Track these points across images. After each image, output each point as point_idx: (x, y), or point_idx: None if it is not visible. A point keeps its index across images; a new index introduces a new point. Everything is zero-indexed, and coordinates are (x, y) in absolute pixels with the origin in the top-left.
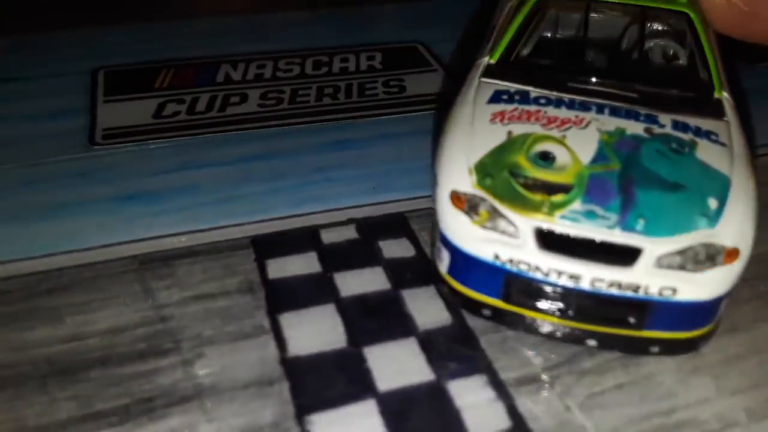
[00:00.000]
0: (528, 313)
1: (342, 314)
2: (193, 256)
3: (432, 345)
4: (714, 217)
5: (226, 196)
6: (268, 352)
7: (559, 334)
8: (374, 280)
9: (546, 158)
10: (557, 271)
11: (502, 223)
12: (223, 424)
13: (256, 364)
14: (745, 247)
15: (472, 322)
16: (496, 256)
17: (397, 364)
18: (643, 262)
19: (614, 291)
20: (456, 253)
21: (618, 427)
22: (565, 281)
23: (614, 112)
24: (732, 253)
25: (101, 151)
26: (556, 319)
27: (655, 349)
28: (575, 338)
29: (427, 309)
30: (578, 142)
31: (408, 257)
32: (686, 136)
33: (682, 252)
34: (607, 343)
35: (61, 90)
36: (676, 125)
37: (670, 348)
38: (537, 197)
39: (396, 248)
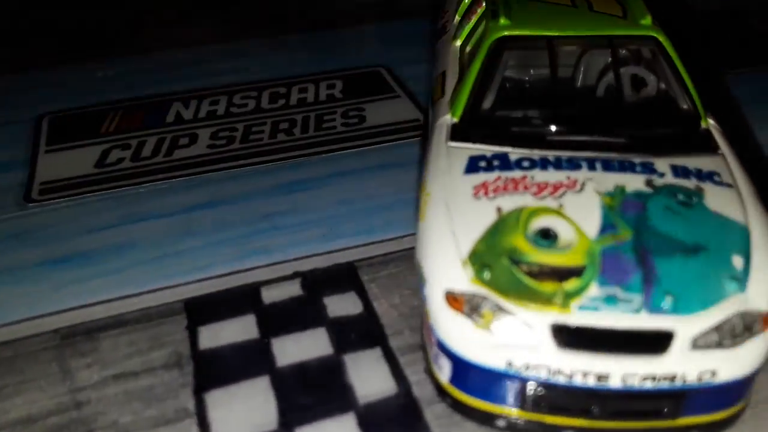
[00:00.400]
0: (549, 420)
1: (276, 388)
2: (121, 326)
3: (371, 423)
4: (743, 278)
5: (164, 253)
6: None
7: None
8: (315, 345)
9: (547, 236)
10: (582, 372)
11: (511, 323)
12: None
13: None
14: None
15: (418, 391)
16: (510, 364)
17: None
18: (678, 346)
19: (648, 385)
20: (459, 363)
21: None
22: (592, 382)
23: (607, 166)
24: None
25: (36, 209)
26: (582, 421)
27: None
28: None
29: (370, 376)
30: (579, 211)
31: (354, 315)
32: (690, 184)
33: (717, 327)
34: None
35: (2, 141)
36: (676, 171)
37: (711, 429)
38: (547, 287)
39: (342, 304)
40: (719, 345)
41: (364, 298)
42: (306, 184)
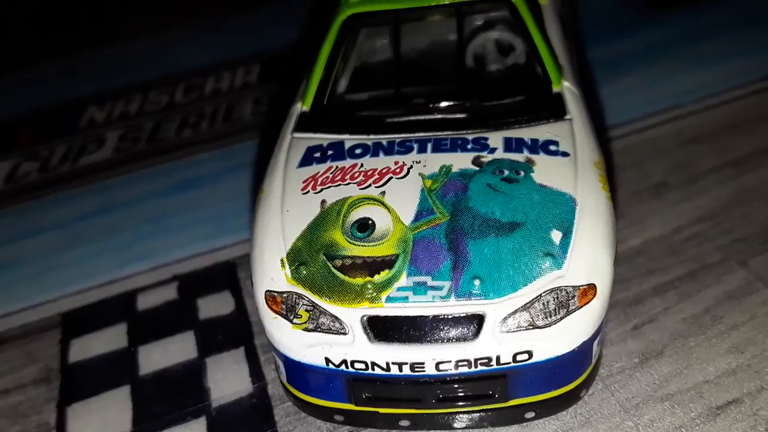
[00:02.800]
0: (383, 411)
1: (134, 398)
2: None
3: (220, 425)
4: (560, 254)
5: (48, 267)
6: None
7: (422, 424)
8: (181, 349)
9: (365, 228)
10: (397, 364)
11: (325, 321)
12: None
13: None
14: (603, 279)
15: (273, 389)
16: (328, 360)
17: None
18: (488, 330)
19: (464, 370)
20: (287, 363)
21: None
22: (408, 372)
23: (438, 147)
24: (587, 292)
25: None
26: (414, 410)
27: (531, 414)
28: (441, 425)
29: (227, 378)
30: (399, 197)
31: (225, 315)
32: (521, 157)
33: (527, 307)
34: (476, 421)
35: None
36: (509, 144)
37: (549, 408)
38: (358, 281)
39: (215, 305)
40: (532, 325)
41: (238, 296)
42: (200, 181)
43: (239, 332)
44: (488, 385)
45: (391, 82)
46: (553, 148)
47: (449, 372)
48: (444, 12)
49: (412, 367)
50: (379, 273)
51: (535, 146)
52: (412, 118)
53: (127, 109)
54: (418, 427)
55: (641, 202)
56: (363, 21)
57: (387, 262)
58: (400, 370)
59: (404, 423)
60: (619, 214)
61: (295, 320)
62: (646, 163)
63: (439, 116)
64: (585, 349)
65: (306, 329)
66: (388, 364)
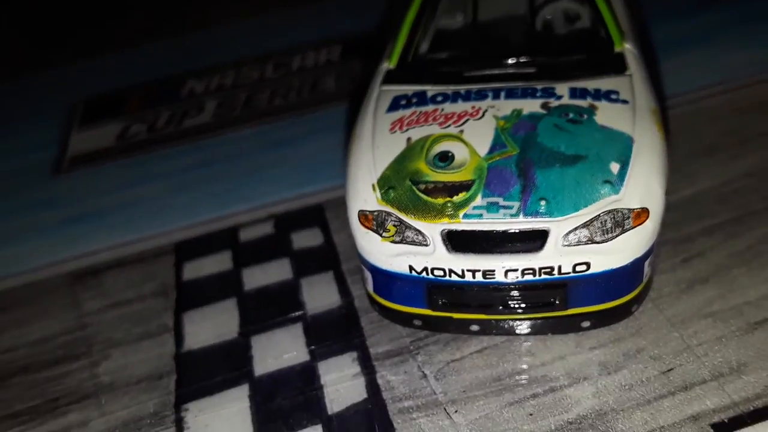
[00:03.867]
0: (456, 316)
1: (241, 307)
2: (120, 266)
3: (315, 329)
4: (617, 182)
5: (160, 207)
6: (166, 348)
7: (489, 330)
8: (279, 272)
9: (446, 159)
10: (471, 271)
11: (410, 234)
12: (112, 417)
13: (152, 360)
14: (655, 204)
15: (358, 303)
16: (411, 268)
17: (278, 349)
18: (551, 244)
19: (530, 278)
20: (375, 272)
21: (467, 389)
22: (480, 279)
23: (510, 94)
24: (641, 214)
25: (64, 178)
26: (483, 316)
27: (587, 323)
28: (506, 330)
29: (319, 295)
30: (475, 135)
31: (315, 246)
32: (584, 103)
33: (587, 225)
34: (537, 328)
35: (40, 125)
36: (574, 93)
37: (602, 319)
38: (439, 201)
39: (306, 238)
40: (591, 241)
41: (326, 232)
42: (289, 142)
43: (328, 260)
44: (550, 293)
45: (468, 43)
46: (613, 96)
47: (517, 279)
48: None
49: (484, 274)
50: (457, 194)
51: (598, 95)
52: (487, 72)
53: (223, 82)
54: (486, 332)
55: (694, 159)
56: None
57: (464, 186)
58: (474, 276)
59: (474, 328)
60: (673, 168)
61: (384, 234)
62: (701, 128)
63: (512, 70)
64: (637, 266)
65: (393, 241)
66: (463, 271)
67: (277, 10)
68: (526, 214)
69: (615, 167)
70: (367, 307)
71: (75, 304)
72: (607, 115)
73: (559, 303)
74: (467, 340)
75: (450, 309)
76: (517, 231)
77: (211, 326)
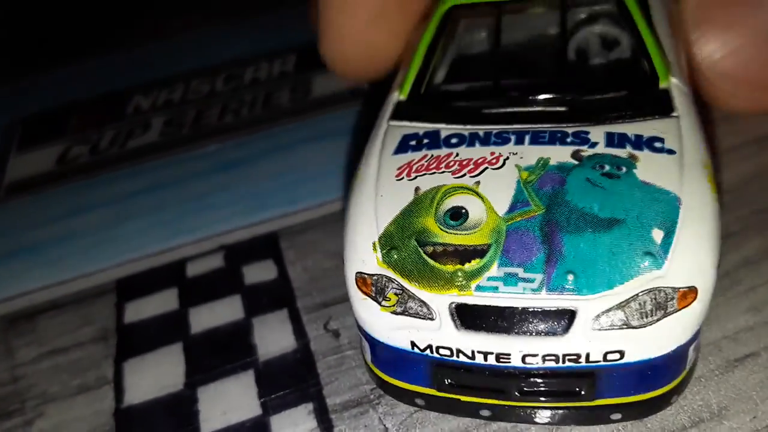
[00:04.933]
0: (465, 399)
1: (187, 353)
2: (57, 308)
3: (267, 377)
4: (660, 254)
5: (101, 239)
6: (105, 403)
7: (502, 416)
8: (229, 311)
9: (458, 217)
10: (482, 353)
11: (413, 305)
12: None
13: (90, 418)
14: (705, 282)
15: (315, 345)
16: (414, 344)
17: (227, 401)
18: (579, 326)
19: (551, 365)
20: (374, 344)
21: None
22: (493, 362)
23: (536, 139)
24: (687, 294)
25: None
26: (496, 401)
27: (617, 416)
28: (522, 418)
29: (272, 337)
30: (494, 188)
31: (269, 280)
32: (623, 152)
33: (622, 306)
34: (559, 419)
35: None
36: (611, 139)
37: (636, 411)
38: (449, 268)
39: (259, 272)
40: (626, 325)
41: (280, 263)
42: (243, 162)
43: (282, 296)
44: (575, 382)
45: (489, 74)
46: (658, 144)
47: (536, 366)
48: (547, 4)
49: (498, 357)
50: (470, 261)
51: (639, 142)
52: (510, 109)
53: (171, 98)
54: (498, 418)
55: None
56: (464, 12)
57: (478, 251)
58: (485, 359)
59: (485, 413)
60: None
61: (383, 303)
62: None
63: (539, 108)
64: (681, 353)
65: (394, 312)
66: (473, 352)
67: (229, 19)
68: (549, 290)
69: (658, 235)
70: (324, 350)
71: (7, 353)
72: (649, 168)
73: (586, 393)
74: None
75: (458, 391)
76: (538, 309)
77: (155, 376)
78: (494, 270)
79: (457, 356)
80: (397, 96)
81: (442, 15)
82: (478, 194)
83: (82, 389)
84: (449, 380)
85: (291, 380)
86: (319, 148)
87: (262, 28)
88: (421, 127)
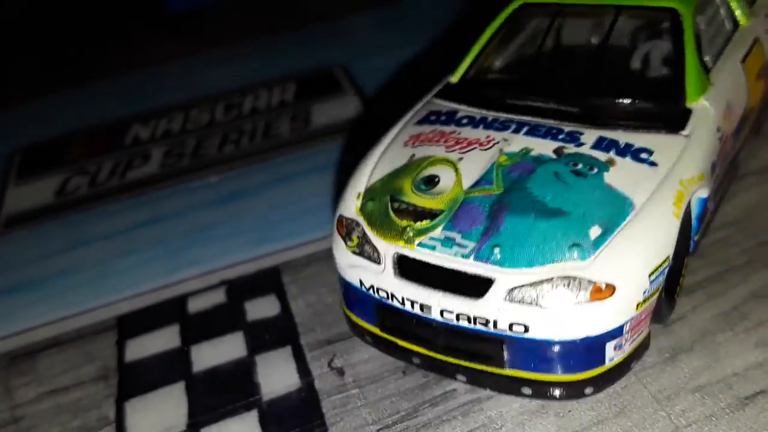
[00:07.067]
0: (400, 343)
1: (189, 392)
2: (58, 345)
3: (271, 417)
4: (590, 249)
5: (102, 274)
6: None
7: (429, 367)
8: (231, 348)
9: (430, 183)
10: (410, 301)
11: (368, 249)
12: None
13: None
14: (629, 284)
15: (320, 384)
16: (361, 282)
17: None
18: (493, 295)
19: (464, 324)
20: (340, 281)
21: None
22: (417, 311)
23: (533, 131)
24: (603, 290)
25: None
26: (424, 351)
27: (528, 390)
28: (445, 371)
29: (276, 374)
30: (470, 165)
31: (271, 316)
32: (604, 156)
33: (536, 284)
34: (476, 379)
35: None
36: (600, 142)
37: (545, 391)
38: (403, 223)
39: (261, 308)
40: (535, 303)
41: (283, 299)
42: (244, 193)
43: (286, 332)
44: (486, 346)
45: (533, 69)
46: (643, 156)
47: (451, 322)
48: (607, 13)
49: (422, 307)
50: (421, 221)
51: (626, 150)
52: (529, 103)
53: (170, 127)
54: (426, 367)
55: None
56: (532, 10)
57: (431, 214)
58: (412, 307)
59: (416, 360)
60: None
61: (348, 243)
62: None
63: (555, 106)
64: (592, 345)
65: (353, 252)
66: (403, 298)
67: (228, 46)
68: (476, 258)
69: (595, 232)
70: (329, 388)
71: (7, 392)
72: (621, 174)
73: (496, 360)
74: (440, 425)
75: (395, 334)
76: (463, 272)
77: (157, 417)
78: (438, 232)
79: (392, 300)
80: (449, 78)
81: (511, 11)
82: (455, 167)
83: (83, 431)
84: (388, 322)
85: (296, 421)
86: (320, 180)
87: (261, 55)
88: (446, 105)
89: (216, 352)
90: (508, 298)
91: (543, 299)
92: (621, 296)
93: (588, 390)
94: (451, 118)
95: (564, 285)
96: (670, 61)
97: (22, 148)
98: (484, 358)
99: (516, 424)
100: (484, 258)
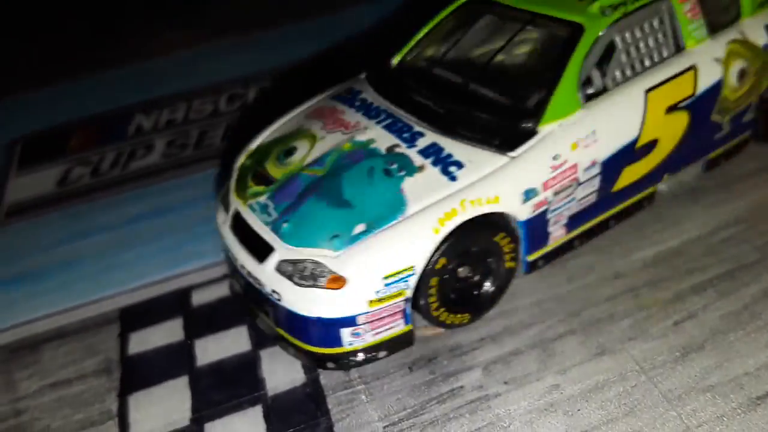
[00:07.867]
0: (235, 283)
1: (193, 387)
2: (61, 338)
3: (276, 413)
4: (346, 242)
5: (105, 265)
6: None
7: (258, 321)
8: (236, 342)
9: (289, 154)
10: (230, 251)
11: (227, 200)
12: None
13: None
14: (359, 280)
15: (325, 379)
16: (216, 228)
17: None
18: (269, 262)
19: (251, 280)
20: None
21: None
22: (235, 263)
23: (391, 126)
24: (337, 280)
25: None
26: (254, 306)
27: (292, 350)
28: (265, 328)
29: (281, 370)
30: (323, 145)
31: None
32: (420, 161)
33: (294, 262)
34: (269, 330)
35: None
36: (428, 149)
37: (297, 353)
38: (250, 184)
39: None
40: (290, 277)
41: None
42: None
43: None
44: (265, 303)
45: (433, 67)
46: (452, 168)
47: (245, 275)
48: (521, 19)
49: (234, 259)
50: (259, 186)
51: (443, 160)
52: (415, 97)
53: (173, 117)
54: (256, 322)
55: (679, 205)
56: (475, 8)
57: (268, 181)
58: (228, 256)
59: (255, 315)
60: (657, 217)
61: (218, 195)
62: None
63: (430, 105)
64: (327, 326)
65: (220, 200)
66: (227, 248)
67: (232, 35)
68: (272, 228)
69: (359, 229)
70: (334, 384)
71: (10, 385)
72: (420, 182)
73: (271, 317)
74: (447, 423)
75: (232, 277)
76: (260, 237)
77: (160, 411)
78: (263, 198)
79: (224, 247)
80: (391, 62)
81: (456, 6)
82: (312, 145)
83: (86, 424)
84: (230, 270)
85: (301, 417)
86: None
87: (265, 44)
88: (362, 86)
89: (220, 346)
90: (277, 268)
91: (295, 276)
92: (351, 290)
93: (330, 365)
94: (353, 98)
95: (310, 268)
96: (547, 78)
97: (24, 137)
98: (265, 312)
99: (524, 422)
100: (276, 229)
